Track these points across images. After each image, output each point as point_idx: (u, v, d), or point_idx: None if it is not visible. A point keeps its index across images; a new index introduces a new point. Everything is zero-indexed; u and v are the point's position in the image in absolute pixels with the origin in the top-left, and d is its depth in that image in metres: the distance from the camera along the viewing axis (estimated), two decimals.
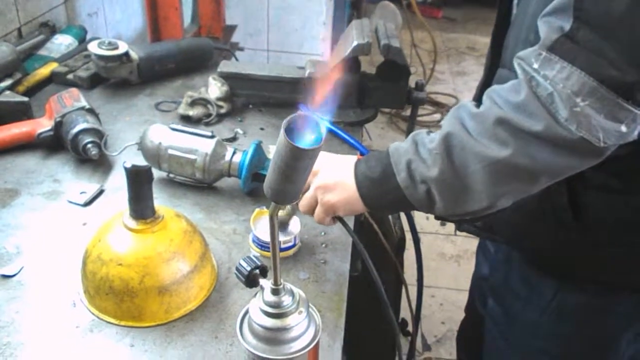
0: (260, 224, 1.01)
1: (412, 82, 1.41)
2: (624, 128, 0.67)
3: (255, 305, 0.62)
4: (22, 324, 0.85)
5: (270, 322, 0.61)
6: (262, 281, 0.63)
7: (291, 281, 0.96)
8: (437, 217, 0.88)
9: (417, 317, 1.38)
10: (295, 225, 1.02)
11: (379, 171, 0.82)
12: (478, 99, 0.93)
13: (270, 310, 0.61)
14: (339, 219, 0.88)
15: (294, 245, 1.01)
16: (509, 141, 0.71)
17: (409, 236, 1.35)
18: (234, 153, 1.11)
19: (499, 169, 0.73)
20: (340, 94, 1.43)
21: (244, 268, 0.63)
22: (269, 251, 0.97)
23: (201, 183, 1.13)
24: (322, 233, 1.06)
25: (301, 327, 0.62)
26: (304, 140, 0.47)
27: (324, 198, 0.87)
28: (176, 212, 0.95)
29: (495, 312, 1.16)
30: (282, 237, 0.99)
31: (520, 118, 0.70)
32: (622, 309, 0.95)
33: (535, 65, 0.69)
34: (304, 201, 0.90)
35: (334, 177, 0.87)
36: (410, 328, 1.90)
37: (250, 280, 0.64)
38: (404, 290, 1.25)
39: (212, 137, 1.11)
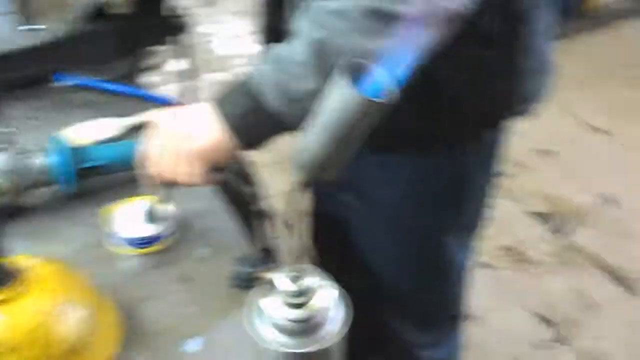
0: (119, 220, 0.85)
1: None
2: None
3: (274, 304, 0.52)
4: None
5: (301, 312, 0.52)
6: (268, 275, 0.52)
7: (191, 264, 0.83)
8: None
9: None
10: (166, 206, 0.87)
11: (246, 103, 0.73)
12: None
13: (300, 300, 0.52)
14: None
15: (171, 229, 0.87)
16: (381, 30, 0.68)
17: None
18: (38, 158, 0.86)
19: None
20: (101, 48, 1.20)
21: (246, 272, 0.51)
22: (147, 247, 0.83)
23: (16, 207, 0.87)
24: (190, 201, 0.93)
25: (329, 302, 0.54)
26: (361, 87, 0.37)
27: (190, 146, 0.75)
28: (37, 259, 0.72)
29: (354, 205, 1.17)
30: (156, 225, 0.84)
31: (388, 3, 0.67)
32: (470, 152, 1.04)
33: None
34: (167, 162, 0.76)
35: (193, 121, 0.76)
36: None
37: (256, 281, 0.52)
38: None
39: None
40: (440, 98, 0.91)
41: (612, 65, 3.23)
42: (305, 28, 0.71)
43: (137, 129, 1.06)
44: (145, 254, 0.84)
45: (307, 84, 0.69)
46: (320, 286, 0.53)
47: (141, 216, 0.84)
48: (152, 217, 0.84)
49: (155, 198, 0.82)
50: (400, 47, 0.68)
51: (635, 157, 2.59)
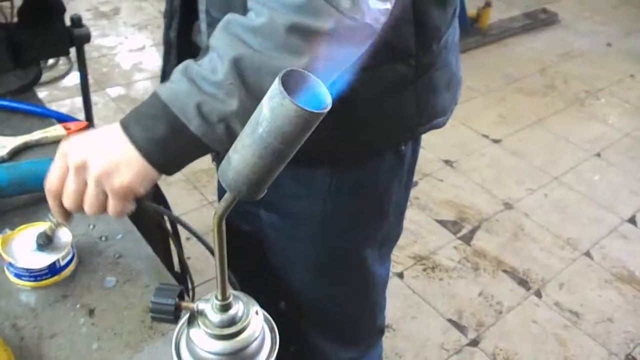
0: (15, 250, 0.77)
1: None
2: (388, 5, 0.70)
3: (200, 336, 0.48)
4: None
5: (231, 344, 0.48)
6: (193, 306, 0.48)
7: (97, 295, 0.77)
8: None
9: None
10: (65, 233, 0.80)
11: (164, 128, 0.68)
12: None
13: (229, 330, 0.47)
14: (140, 200, 0.72)
15: (72, 258, 0.79)
16: (303, 47, 0.67)
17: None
18: None
19: None
20: None
21: (168, 304, 0.46)
22: (47, 278, 0.75)
23: None
24: (91, 226, 0.86)
25: (260, 330, 0.51)
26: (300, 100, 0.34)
27: (114, 184, 0.69)
28: None
29: (273, 221, 1.15)
30: (56, 254, 0.77)
31: (310, 20, 0.66)
32: (387, 165, 1.05)
33: None
34: (91, 201, 0.70)
35: (110, 156, 0.69)
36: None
37: (179, 312, 0.48)
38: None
39: None
40: (359, 112, 0.91)
41: (501, 77, 3.44)
42: (223, 45, 0.67)
43: (28, 148, 0.98)
44: (47, 285, 0.77)
45: (225, 105, 0.66)
46: (247, 314, 0.50)
47: (37, 245, 0.77)
48: (47, 245, 0.77)
49: (50, 224, 0.75)
50: (322, 62, 0.67)
51: (525, 163, 2.75)
